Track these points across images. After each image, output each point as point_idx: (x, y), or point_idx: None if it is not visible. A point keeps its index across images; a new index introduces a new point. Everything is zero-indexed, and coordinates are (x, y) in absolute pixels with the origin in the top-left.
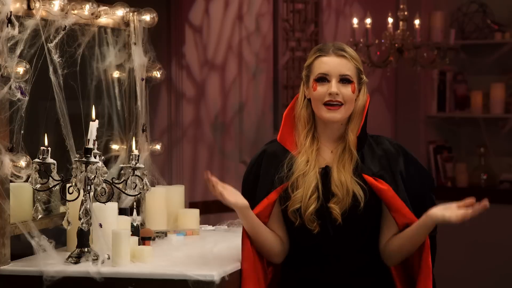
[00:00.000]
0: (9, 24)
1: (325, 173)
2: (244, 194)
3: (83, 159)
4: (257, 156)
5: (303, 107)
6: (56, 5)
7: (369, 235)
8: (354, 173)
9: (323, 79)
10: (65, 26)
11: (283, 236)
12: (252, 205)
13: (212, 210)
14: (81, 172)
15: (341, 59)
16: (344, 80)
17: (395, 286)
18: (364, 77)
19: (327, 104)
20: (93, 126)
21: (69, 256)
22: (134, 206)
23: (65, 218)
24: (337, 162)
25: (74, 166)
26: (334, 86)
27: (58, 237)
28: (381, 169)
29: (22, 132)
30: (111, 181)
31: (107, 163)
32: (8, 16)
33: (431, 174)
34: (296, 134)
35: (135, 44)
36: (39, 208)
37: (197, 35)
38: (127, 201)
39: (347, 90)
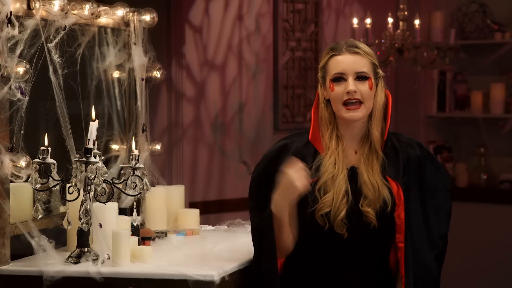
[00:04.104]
0: (9, 24)
1: (352, 174)
2: (257, 188)
3: (83, 159)
4: (276, 149)
5: (323, 108)
6: (56, 5)
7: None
8: (382, 175)
9: (339, 78)
10: (65, 26)
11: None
12: (266, 198)
13: (212, 210)
14: (81, 172)
15: (355, 56)
16: (360, 77)
17: None
18: (380, 72)
19: (346, 104)
20: (93, 126)
21: (69, 256)
22: (134, 206)
23: (65, 218)
24: (364, 163)
25: (74, 166)
26: (351, 84)
27: (58, 237)
28: (404, 174)
29: (22, 132)
30: (111, 181)
31: (107, 163)
32: (8, 16)
33: (448, 175)
34: (321, 135)
35: (135, 44)
36: (39, 208)
37: (197, 35)
38: (127, 201)
39: (364, 86)
